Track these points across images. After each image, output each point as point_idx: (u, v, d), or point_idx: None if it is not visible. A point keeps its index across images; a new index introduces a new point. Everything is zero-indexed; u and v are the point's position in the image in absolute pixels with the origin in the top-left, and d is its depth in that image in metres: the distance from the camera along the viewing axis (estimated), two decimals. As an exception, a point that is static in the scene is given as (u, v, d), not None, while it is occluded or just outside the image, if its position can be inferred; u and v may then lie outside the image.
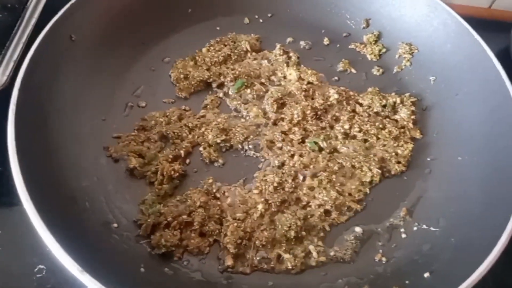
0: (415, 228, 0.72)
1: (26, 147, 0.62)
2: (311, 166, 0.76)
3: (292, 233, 0.68)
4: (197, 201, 0.69)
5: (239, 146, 0.79)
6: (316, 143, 0.79)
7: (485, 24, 1.03)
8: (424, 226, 0.72)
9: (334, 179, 0.75)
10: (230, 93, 0.86)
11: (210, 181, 0.74)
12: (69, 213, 0.63)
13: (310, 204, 0.72)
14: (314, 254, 0.68)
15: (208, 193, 0.72)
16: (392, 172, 0.78)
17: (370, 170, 0.77)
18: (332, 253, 0.68)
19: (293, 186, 0.73)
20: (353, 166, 0.77)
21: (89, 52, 0.81)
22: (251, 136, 0.80)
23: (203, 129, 0.80)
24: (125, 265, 0.61)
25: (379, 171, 0.76)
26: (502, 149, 0.73)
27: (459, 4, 1.05)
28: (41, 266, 0.70)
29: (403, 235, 0.71)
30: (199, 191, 0.71)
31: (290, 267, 0.66)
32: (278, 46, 0.93)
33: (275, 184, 0.73)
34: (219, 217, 0.69)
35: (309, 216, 0.71)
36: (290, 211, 0.71)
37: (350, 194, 0.74)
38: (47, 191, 0.62)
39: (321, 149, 0.79)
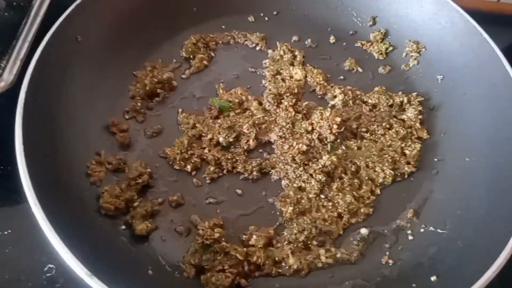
0: (422, 230, 0.71)
1: (34, 149, 0.63)
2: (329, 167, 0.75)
3: (302, 237, 0.68)
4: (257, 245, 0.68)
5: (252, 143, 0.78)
6: (333, 147, 0.78)
7: (493, 18, 1.02)
8: (431, 228, 0.71)
9: (355, 183, 0.75)
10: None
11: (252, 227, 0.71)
12: (77, 215, 0.63)
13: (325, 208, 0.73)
14: (323, 258, 0.68)
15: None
16: (403, 173, 0.77)
17: (383, 171, 0.76)
18: (338, 255, 0.68)
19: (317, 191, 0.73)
20: (367, 166, 0.77)
21: (95, 53, 0.81)
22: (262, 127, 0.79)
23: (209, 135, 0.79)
24: (133, 267, 0.61)
25: (392, 172, 0.76)
26: (510, 150, 0.72)
27: (468, -2, 1.03)
28: (51, 266, 0.71)
29: (410, 237, 0.71)
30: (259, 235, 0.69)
31: (296, 269, 0.66)
32: (278, 44, 0.92)
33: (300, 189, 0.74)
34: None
35: (322, 221, 0.71)
36: (311, 216, 0.71)
37: (362, 197, 0.74)
38: (55, 193, 0.62)
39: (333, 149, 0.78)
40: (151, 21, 0.89)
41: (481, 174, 0.74)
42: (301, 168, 0.75)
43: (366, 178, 0.76)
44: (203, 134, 0.79)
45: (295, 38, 0.95)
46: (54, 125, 0.71)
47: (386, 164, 0.77)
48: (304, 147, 0.77)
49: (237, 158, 0.77)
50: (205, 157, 0.77)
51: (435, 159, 0.80)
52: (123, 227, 0.67)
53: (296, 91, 0.85)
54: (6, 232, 0.72)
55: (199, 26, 0.94)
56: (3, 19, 0.84)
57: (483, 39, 0.81)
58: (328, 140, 0.78)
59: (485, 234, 0.65)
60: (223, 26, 0.95)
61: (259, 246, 0.67)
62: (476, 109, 0.80)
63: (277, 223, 0.71)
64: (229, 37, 0.94)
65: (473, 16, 0.84)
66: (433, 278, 0.63)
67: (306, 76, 0.89)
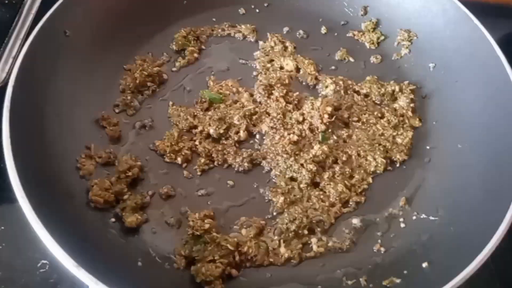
0: (414, 218, 0.71)
1: (21, 144, 0.62)
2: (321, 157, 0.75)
3: (293, 227, 0.68)
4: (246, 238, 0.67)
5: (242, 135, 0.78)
6: (324, 137, 0.78)
7: (489, 9, 1.01)
8: (423, 216, 0.71)
9: (347, 172, 0.74)
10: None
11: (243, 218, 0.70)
12: (66, 208, 0.63)
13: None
14: (314, 247, 0.67)
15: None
16: (395, 162, 0.77)
17: (375, 159, 0.76)
18: (330, 244, 0.68)
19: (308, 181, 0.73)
20: (358, 155, 0.77)
21: (84, 48, 0.81)
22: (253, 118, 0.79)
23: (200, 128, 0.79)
24: (123, 259, 0.61)
25: (384, 161, 0.76)
26: (502, 137, 0.72)
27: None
28: (44, 261, 0.71)
29: (402, 225, 0.71)
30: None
31: (287, 258, 0.66)
32: (269, 35, 0.92)
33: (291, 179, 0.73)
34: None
35: (314, 211, 0.70)
36: (302, 206, 0.71)
37: (353, 186, 0.74)
38: (43, 186, 0.62)
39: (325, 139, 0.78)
40: (141, 15, 0.89)
41: (473, 161, 0.73)
42: (292, 159, 0.75)
43: (358, 167, 0.76)
44: (194, 127, 0.79)
45: (286, 29, 0.95)
46: (43, 119, 0.70)
47: (378, 153, 0.77)
48: (295, 138, 0.77)
49: (228, 150, 0.77)
50: (195, 149, 0.76)
51: (427, 147, 0.79)
52: (113, 219, 0.67)
53: (287, 82, 0.85)
54: (-1, 229, 0.72)
55: (190, 19, 0.93)
56: (-5, 16, 0.84)
57: (475, 25, 0.81)
58: (319, 130, 0.78)
59: (477, 220, 0.65)
60: (214, 19, 0.95)
61: (250, 236, 0.67)
62: (468, 96, 0.80)
63: (269, 214, 0.71)
64: (219, 30, 0.94)
65: (466, 7, 0.83)
66: (424, 265, 0.63)
67: (297, 67, 0.88)
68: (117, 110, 0.80)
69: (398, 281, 0.62)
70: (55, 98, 0.74)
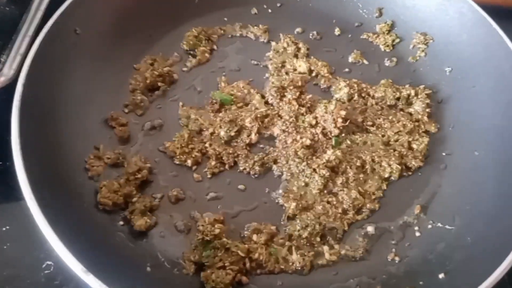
0: (429, 226, 0.69)
1: (30, 143, 0.61)
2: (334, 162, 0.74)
3: (305, 234, 0.66)
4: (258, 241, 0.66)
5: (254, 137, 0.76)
6: (338, 141, 0.76)
7: (500, 13, 0.98)
8: (439, 224, 0.69)
9: (361, 178, 0.73)
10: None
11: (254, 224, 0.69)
12: (74, 210, 0.62)
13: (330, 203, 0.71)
14: (327, 255, 0.66)
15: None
16: (411, 168, 0.75)
17: (390, 165, 0.74)
18: (343, 252, 0.66)
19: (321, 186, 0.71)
20: (373, 161, 0.75)
21: (94, 46, 0.80)
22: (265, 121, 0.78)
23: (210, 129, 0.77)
24: (131, 264, 0.60)
25: (399, 167, 0.74)
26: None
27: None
28: (49, 262, 0.70)
29: (417, 234, 0.69)
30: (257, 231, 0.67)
31: (299, 267, 0.64)
32: (282, 36, 0.90)
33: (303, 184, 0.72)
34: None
35: (326, 217, 0.69)
36: (314, 212, 0.69)
37: (367, 192, 0.72)
38: (52, 188, 0.61)
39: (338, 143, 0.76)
40: (152, 14, 0.88)
41: (490, 168, 0.72)
42: (304, 163, 0.73)
43: (372, 173, 0.74)
44: (204, 128, 0.77)
45: (298, 30, 0.93)
46: (52, 119, 0.69)
47: (393, 159, 0.75)
48: (308, 141, 0.75)
49: (239, 153, 0.75)
50: (206, 152, 0.75)
51: (443, 153, 0.78)
52: (121, 222, 0.66)
53: (299, 84, 0.83)
54: (4, 229, 0.71)
55: (201, 19, 0.92)
56: (4, 13, 0.83)
57: (493, 29, 0.79)
58: (332, 134, 0.76)
59: (495, 230, 0.63)
60: (225, 19, 0.93)
61: (261, 242, 0.65)
62: (485, 101, 0.78)
63: (280, 220, 0.69)
64: (231, 30, 0.92)
65: (484, 10, 0.82)
66: (441, 276, 0.61)
67: (310, 69, 0.87)
68: (126, 110, 0.79)
69: (414, 292, 0.60)
70: (65, 97, 0.73)
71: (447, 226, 0.69)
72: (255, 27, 0.92)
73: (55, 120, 0.70)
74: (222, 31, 0.92)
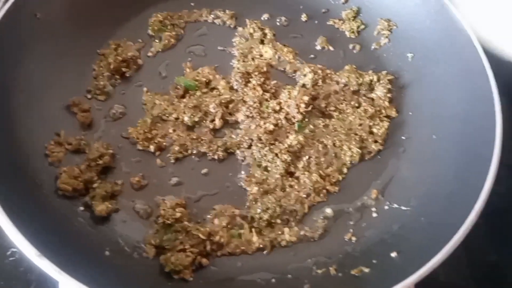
0: (386, 207, 0.71)
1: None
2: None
3: (266, 216, 0.68)
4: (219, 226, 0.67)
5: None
6: (301, 126, 0.77)
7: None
8: (395, 205, 0.71)
9: (322, 162, 0.74)
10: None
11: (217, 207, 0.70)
12: (32, 196, 0.62)
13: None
14: (286, 236, 0.67)
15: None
16: (371, 152, 0.77)
17: (350, 149, 0.76)
18: (302, 233, 0.68)
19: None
20: (334, 145, 0.76)
21: (56, 31, 0.79)
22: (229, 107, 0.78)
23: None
24: (89, 248, 0.60)
25: (359, 151, 0.76)
26: (477, 129, 0.71)
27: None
28: (14, 249, 0.70)
29: (374, 214, 0.71)
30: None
31: (259, 246, 0.66)
32: (248, 22, 0.90)
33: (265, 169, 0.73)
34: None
35: (287, 200, 0.70)
36: (276, 195, 0.70)
37: (328, 176, 0.74)
38: (9, 173, 0.61)
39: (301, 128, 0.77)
40: (116, -3, 0.87)
41: (447, 152, 0.73)
42: (266, 148, 0.74)
43: (333, 157, 0.76)
44: (168, 114, 0.78)
45: (266, 15, 0.93)
46: (11, 104, 0.69)
47: (354, 143, 0.76)
48: (271, 127, 0.76)
49: (203, 138, 0.76)
50: (169, 137, 0.75)
51: (403, 137, 0.79)
52: (82, 208, 0.66)
53: (265, 69, 0.84)
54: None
55: (167, 3, 0.91)
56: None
57: (454, 16, 0.80)
58: (295, 120, 0.78)
59: (448, 211, 0.65)
60: (192, 4, 0.93)
61: (222, 225, 0.66)
62: (445, 87, 0.80)
63: (243, 203, 0.71)
64: (198, 15, 0.92)
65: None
66: (393, 254, 0.63)
67: (276, 55, 0.87)
68: (89, 96, 0.79)
69: (366, 270, 0.62)
70: (25, 82, 0.72)
71: (402, 207, 0.70)
72: (222, 12, 0.92)
73: (14, 105, 0.69)
74: (188, 16, 0.91)
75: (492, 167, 0.64)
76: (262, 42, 0.89)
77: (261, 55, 0.87)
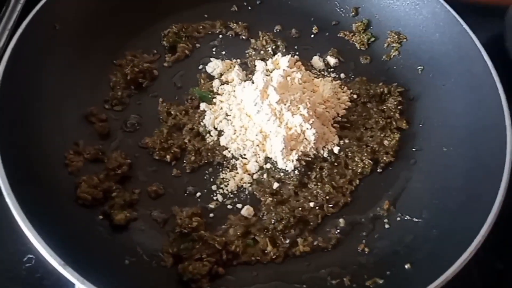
0: (398, 219, 0.72)
1: (8, 139, 0.63)
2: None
3: (280, 227, 0.69)
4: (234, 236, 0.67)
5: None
6: None
7: (478, 9, 1.02)
8: (407, 217, 0.72)
9: (335, 173, 0.75)
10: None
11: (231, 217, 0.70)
12: (53, 205, 0.63)
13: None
14: (300, 246, 0.68)
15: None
16: (382, 163, 0.78)
17: (362, 160, 0.77)
18: (316, 243, 0.69)
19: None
20: (346, 156, 0.77)
21: (73, 42, 0.80)
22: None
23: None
24: (110, 257, 0.61)
25: (371, 162, 0.77)
26: (487, 141, 0.73)
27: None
28: (30, 256, 0.71)
29: (387, 226, 0.72)
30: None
31: (273, 257, 0.67)
32: (260, 34, 0.92)
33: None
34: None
35: (300, 211, 0.71)
36: (289, 206, 0.71)
37: (341, 187, 0.75)
38: (30, 183, 0.62)
39: None
40: (132, 9, 0.88)
41: (458, 164, 0.75)
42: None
43: (345, 168, 0.77)
44: (184, 124, 0.79)
45: (278, 27, 0.95)
46: (31, 114, 0.70)
47: (365, 154, 0.78)
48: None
49: (218, 148, 0.77)
50: (185, 147, 0.77)
51: (413, 149, 0.81)
52: (101, 217, 0.67)
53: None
54: (-16, 222, 0.71)
55: (181, 14, 0.93)
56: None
57: (463, 29, 0.82)
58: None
59: (460, 223, 0.66)
60: (206, 15, 0.95)
61: (237, 235, 0.68)
62: (455, 99, 0.81)
63: (257, 213, 0.72)
64: (211, 26, 0.93)
65: (455, 7, 0.85)
66: (407, 266, 0.64)
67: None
68: (106, 106, 0.80)
69: (381, 281, 0.63)
70: (44, 92, 0.73)
71: (414, 219, 0.72)
72: (235, 24, 0.94)
73: (34, 116, 0.71)
74: (202, 28, 0.93)
75: (504, 179, 0.66)
76: (274, 53, 0.90)
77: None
